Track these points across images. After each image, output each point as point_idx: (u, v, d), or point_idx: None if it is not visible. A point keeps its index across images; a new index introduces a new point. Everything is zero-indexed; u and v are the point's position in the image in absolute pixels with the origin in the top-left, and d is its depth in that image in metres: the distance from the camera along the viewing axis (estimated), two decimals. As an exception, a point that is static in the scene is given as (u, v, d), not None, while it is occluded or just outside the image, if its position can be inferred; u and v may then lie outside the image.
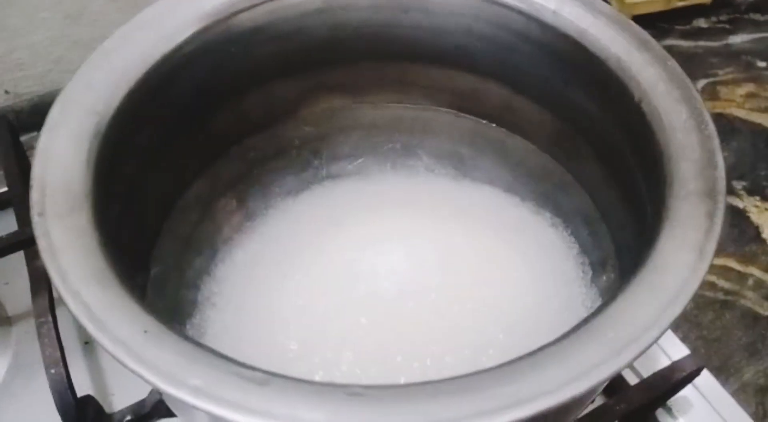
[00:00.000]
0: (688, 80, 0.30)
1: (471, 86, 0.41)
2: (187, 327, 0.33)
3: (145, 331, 0.22)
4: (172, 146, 0.34)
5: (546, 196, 0.40)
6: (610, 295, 0.24)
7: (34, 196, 0.26)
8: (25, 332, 0.42)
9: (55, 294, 0.37)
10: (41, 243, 0.24)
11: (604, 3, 0.34)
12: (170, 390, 0.21)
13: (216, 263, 0.37)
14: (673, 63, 0.31)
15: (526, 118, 0.40)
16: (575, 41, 0.34)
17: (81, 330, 0.40)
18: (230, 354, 0.22)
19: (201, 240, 0.37)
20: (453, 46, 0.39)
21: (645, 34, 0.32)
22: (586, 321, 0.23)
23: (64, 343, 0.35)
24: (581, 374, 0.21)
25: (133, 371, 0.21)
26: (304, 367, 0.31)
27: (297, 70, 0.40)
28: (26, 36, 0.51)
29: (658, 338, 0.22)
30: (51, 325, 0.36)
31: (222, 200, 0.38)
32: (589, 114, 0.36)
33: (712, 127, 0.28)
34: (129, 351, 0.21)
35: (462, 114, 0.43)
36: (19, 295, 0.42)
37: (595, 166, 0.37)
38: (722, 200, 0.26)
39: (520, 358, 0.22)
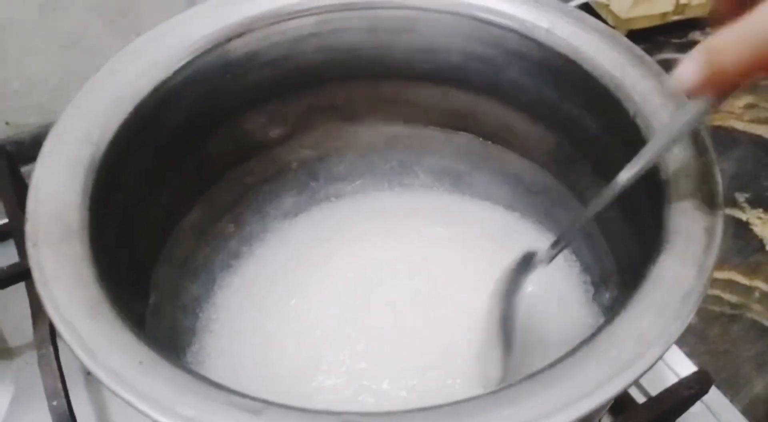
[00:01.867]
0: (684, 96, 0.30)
1: (466, 104, 0.41)
2: (186, 354, 0.32)
3: (140, 362, 0.22)
4: (168, 172, 0.34)
5: (546, 213, 0.40)
6: (612, 313, 0.24)
7: (29, 227, 0.25)
8: (27, 363, 0.42)
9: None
10: (35, 274, 0.24)
11: (596, 20, 0.34)
12: (162, 420, 0.20)
13: (214, 290, 0.36)
14: (666, 77, 0.31)
15: (523, 135, 0.40)
16: (569, 58, 0.34)
17: (78, 361, 0.40)
18: (228, 381, 0.22)
19: (198, 267, 0.36)
20: (447, 66, 0.39)
21: (638, 50, 0.32)
22: (587, 340, 0.23)
23: (66, 374, 0.35)
24: (582, 395, 0.21)
25: (125, 400, 0.21)
26: (302, 393, 0.30)
27: (292, 93, 0.40)
28: (22, 66, 0.51)
29: (662, 355, 0.22)
30: (52, 356, 0.35)
31: (219, 225, 0.38)
32: (586, 130, 0.35)
33: (708, 141, 0.28)
34: (121, 381, 0.21)
35: (459, 132, 0.43)
36: (20, 326, 0.42)
37: (594, 182, 0.37)
38: (721, 214, 0.25)
39: (520, 381, 0.22)
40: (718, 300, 0.49)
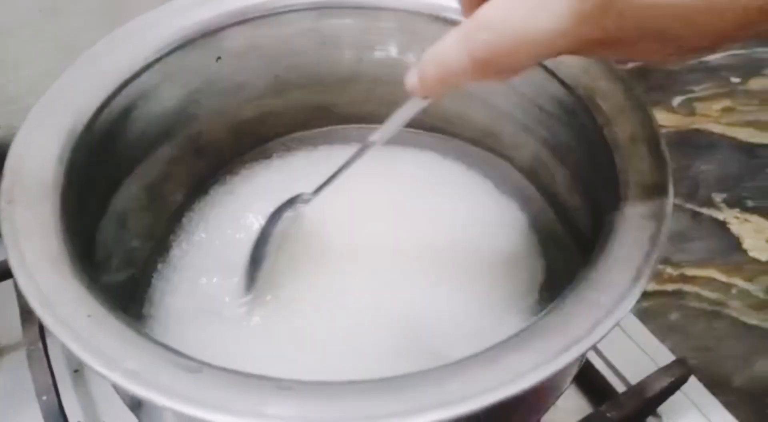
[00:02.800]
0: (649, 109, 0.31)
1: (456, 110, 0.42)
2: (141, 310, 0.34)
3: (89, 315, 0.23)
4: (147, 147, 0.35)
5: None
6: (548, 308, 0.25)
7: (5, 184, 0.27)
8: (15, 361, 0.42)
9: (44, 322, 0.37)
10: (4, 228, 0.25)
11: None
12: (104, 372, 0.21)
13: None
14: (637, 92, 0.32)
15: (507, 142, 0.41)
16: (548, 69, 0.35)
17: (71, 358, 0.41)
18: (175, 341, 0.23)
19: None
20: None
21: (614, 65, 0.33)
22: (520, 332, 0.24)
23: (54, 372, 0.36)
24: (507, 380, 0.22)
25: (72, 352, 0.22)
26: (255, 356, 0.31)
27: (287, 89, 0.42)
28: (18, 69, 0.50)
29: (588, 349, 0.23)
30: (42, 353, 0.36)
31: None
32: (562, 139, 0.36)
33: (666, 155, 0.29)
34: (71, 332, 0.22)
35: (448, 136, 0.44)
36: (8, 325, 0.42)
37: (567, 191, 0.37)
38: (666, 224, 0.26)
39: (453, 363, 0.23)
40: (698, 297, 0.50)
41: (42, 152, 0.28)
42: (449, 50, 0.23)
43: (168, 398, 0.21)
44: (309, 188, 0.33)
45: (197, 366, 0.22)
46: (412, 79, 0.24)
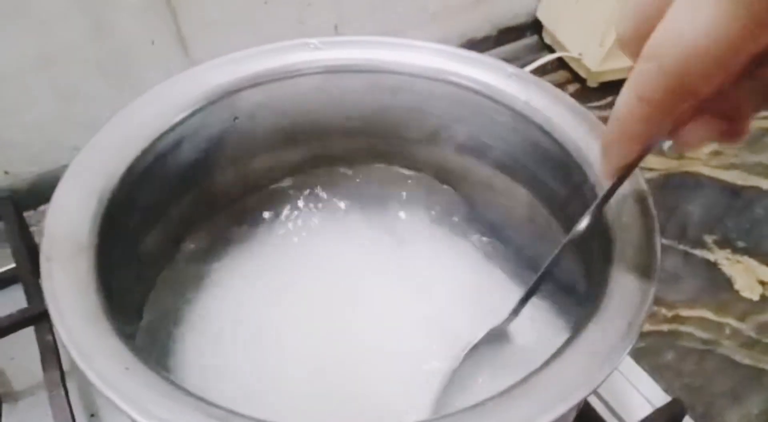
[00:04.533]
0: (638, 172, 0.33)
1: (455, 163, 0.45)
2: (169, 367, 0.35)
3: (127, 368, 0.25)
4: (172, 205, 0.37)
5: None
6: (548, 358, 0.27)
7: (44, 244, 0.29)
8: (32, 406, 0.43)
9: (65, 367, 0.39)
10: (45, 285, 0.27)
11: (568, 96, 0.38)
12: (140, 419, 0.23)
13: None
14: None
15: (504, 194, 0.44)
16: (542, 127, 0.37)
17: (87, 402, 0.43)
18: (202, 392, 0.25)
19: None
20: (438, 126, 0.43)
21: (602, 125, 0.36)
22: (521, 381, 0.26)
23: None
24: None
25: (110, 400, 0.24)
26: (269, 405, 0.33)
27: (296, 142, 0.44)
28: (19, 116, 0.52)
29: (586, 396, 0.25)
30: (63, 397, 0.38)
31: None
32: (557, 194, 0.39)
33: (653, 211, 0.31)
34: (109, 383, 0.24)
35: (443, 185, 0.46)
36: (26, 370, 0.44)
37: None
38: (655, 277, 0.29)
39: (456, 412, 0.25)
40: (691, 336, 0.52)
41: (76, 213, 0.31)
42: (619, 101, 0.21)
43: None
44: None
45: (224, 414, 0.24)
46: (599, 164, 0.24)
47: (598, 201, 0.29)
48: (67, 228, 0.30)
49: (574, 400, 0.24)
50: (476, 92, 0.40)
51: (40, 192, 0.54)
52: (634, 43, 0.20)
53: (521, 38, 0.79)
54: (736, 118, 0.22)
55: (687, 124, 0.22)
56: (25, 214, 0.51)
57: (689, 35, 0.18)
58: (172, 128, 0.36)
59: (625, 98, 0.20)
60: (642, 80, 0.19)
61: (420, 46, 0.41)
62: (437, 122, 0.42)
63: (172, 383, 0.25)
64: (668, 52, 0.18)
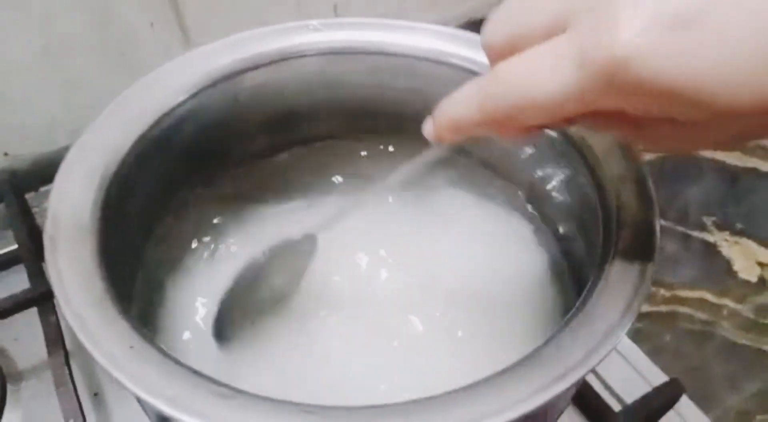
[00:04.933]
0: (635, 151, 0.34)
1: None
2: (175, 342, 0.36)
3: (131, 347, 0.25)
4: (175, 186, 0.38)
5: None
6: (546, 340, 0.27)
7: (48, 228, 0.29)
8: (36, 386, 0.43)
9: (68, 347, 0.40)
10: (51, 271, 0.28)
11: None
12: (148, 398, 0.24)
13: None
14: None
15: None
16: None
17: (90, 382, 0.43)
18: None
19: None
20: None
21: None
22: (521, 360, 0.26)
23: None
24: (508, 406, 0.24)
25: (118, 381, 0.24)
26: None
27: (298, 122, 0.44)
28: (23, 104, 0.52)
29: (584, 375, 0.25)
30: (68, 378, 0.38)
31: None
32: (556, 181, 0.39)
33: (653, 194, 0.32)
34: (116, 363, 0.25)
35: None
36: (29, 351, 0.44)
37: (566, 228, 0.40)
38: (654, 258, 0.29)
39: (457, 390, 0.25)
40: (690, 318, 0.53)
41: (78, 196, 0.31)
42: (462, 101, 0.24)
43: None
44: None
45: (231, 392, 0.24)
46: (428, 127, 0.26)
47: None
48: (70, 209, 0.30)
49: (572, 379, 0.25)
50: (476, 73, 0.40)
51: (40, 173, 0.54)
52: (495, 52, 0.23)
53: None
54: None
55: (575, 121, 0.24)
56: (26, 196, 0.52)
57: (539, 88, 0.21)
58: (174, 110, 0.36)
59: (467, 101, 0.24)
60: (487, 95, 0.23)
61: (420, 27, 0.41)
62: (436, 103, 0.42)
63: (177, 361, 0.25)
64: (516, 91, 0.22)
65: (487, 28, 0.24)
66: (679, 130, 0.22)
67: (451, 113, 0.25)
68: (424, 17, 0.67)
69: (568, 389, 0.25)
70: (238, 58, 0.39)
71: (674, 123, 0.21)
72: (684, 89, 0.18)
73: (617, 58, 0.18)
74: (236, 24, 0.41)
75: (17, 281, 0.45)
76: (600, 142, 0.34)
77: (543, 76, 0.21)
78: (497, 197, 0.44)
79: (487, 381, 0.25)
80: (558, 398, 0.25)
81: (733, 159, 0.65)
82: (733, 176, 0.64)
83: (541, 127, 0.24)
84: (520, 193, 0.43)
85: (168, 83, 0.37)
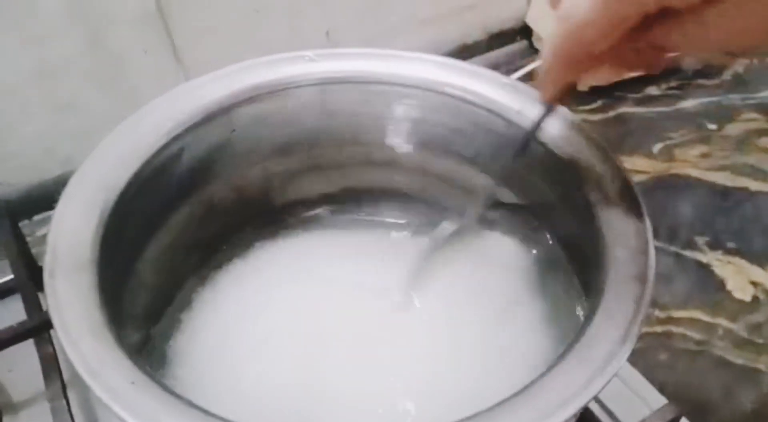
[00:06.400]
0: (628, 175, 0.34)
1: (452, 172, 0.45)
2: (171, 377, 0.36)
3: (132, 382, 0.25)
4: (172, 218, 0.38)
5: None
6: (549, 365, 0.27)
7: (48, 259, 0.29)
8: (33, 418, 0.43)
9: (65, 377, 0.39)
10: (50, 301, 0.28)
11: (562, 106, 0.38)
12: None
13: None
14: (618, 161, 0.35)
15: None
16: (540, 141, 0.38)
17: (88, 413, 0.43)
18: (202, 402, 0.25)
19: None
20: (434, 135, 0.43)
21: (592, 134, 0.37)
22: (521, 389, 0.26)
23: None
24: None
25: (118, 415, 0.24)
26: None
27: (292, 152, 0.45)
28: (17, 128, 0.52)
29: (586, 403, 0.25)
30: (65, 408, 0.38)
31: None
32: (549, 201, 0.39)
33: (647, 219, 0.32)
34: (117, 397, 0.25)
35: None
36: (24, 382, 0.44)
37: (557, 250, 0.40)
38: (651, 285, 0.29)
39: (461, 420, 0.25)
40: (684, 337, 0.53)
41: (78, 227, 0.31)
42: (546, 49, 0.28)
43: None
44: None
45: (232, 427, 0.24)
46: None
47: (534, 125, 0.35)
48: (69, 242, 0.30)
49: (573, 408, 0.25)
50: (470, 102, 0.40)
51: (34, 202, 0.54)
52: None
53: (511, 43, 0.80)
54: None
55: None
56: (20, 225, 0.51)
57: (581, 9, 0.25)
58: (171, 142, 0.36)
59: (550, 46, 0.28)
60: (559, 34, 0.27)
61: (413, 57, 0.41)
62: (431, 131, 0.43)
63: (178, 396, 0.25)
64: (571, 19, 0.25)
65: None
66: (717, 17, 0.24)
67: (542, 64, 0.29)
68: (415, 41, 0.68)
69: (569, 419, 0.25)
70: (233, 90, 0.39)
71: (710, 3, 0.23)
72: None
73: None
74: (230, 50, 0.41)
75: (13, 311, 0.45)
76: (591, 165, 0.35)
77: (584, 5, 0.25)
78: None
79: (491, 410, 0.25)
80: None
81: (723, 178, 0.66)
82: (723, 195, 0.65)
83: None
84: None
85: (164, 115, 0.37)
